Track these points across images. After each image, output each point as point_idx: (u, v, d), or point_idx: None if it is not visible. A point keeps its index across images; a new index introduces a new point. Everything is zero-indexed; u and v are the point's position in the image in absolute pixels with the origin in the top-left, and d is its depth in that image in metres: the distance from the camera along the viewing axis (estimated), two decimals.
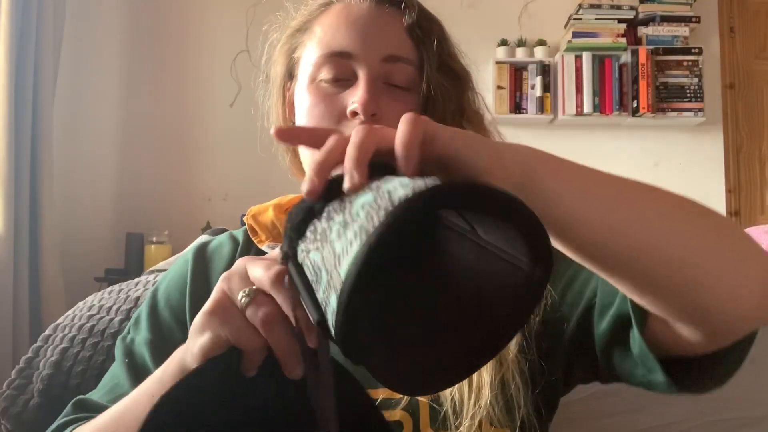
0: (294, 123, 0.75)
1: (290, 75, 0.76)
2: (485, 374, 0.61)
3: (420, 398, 0.62)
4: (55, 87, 2.57)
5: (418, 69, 0.71)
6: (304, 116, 0.71)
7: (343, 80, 0.69)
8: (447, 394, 0.62)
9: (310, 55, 0.72)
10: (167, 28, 3.07)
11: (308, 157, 0.72)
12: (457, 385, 0.61)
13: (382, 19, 0.71)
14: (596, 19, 2.99)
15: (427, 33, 0.72)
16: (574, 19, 2.99)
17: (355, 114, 0.67)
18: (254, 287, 0.44)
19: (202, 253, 0.76)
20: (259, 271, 0.44)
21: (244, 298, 0.44)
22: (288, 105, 0.76)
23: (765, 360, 0.97)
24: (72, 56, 2.82)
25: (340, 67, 0.69)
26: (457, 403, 0.61)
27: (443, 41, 0.73)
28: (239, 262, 0.47)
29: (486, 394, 0.60)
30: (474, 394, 0.61)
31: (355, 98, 0.67)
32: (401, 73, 0.70)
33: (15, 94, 2.30)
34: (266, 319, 0.43)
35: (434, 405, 0.62)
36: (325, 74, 0.70)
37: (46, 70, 2.47)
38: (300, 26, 0.75)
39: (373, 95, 0.67)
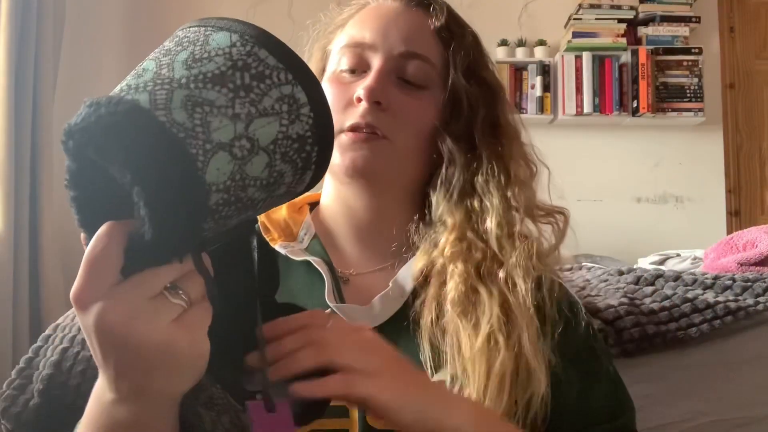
0: None
1: (324, 70, 0.78)
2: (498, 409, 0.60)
3: None
4: (55, 87, 2.57)
5: (440, 70, 0.71)
6: None
7: (360, 71, 0.71)
8: None
9: (336, 47, 0.74)
10: (167, 28, 3.06)
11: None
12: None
13: (406, 18, 0.72)
14: (596, 19, 2.99)
15: (457, 37, 0.73)
16: (574, 19, 2.99)
17: (360, 100, 0.68)
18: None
19: None
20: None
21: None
22: None
23: (765, 360, 0.97)
24: (72, 56, 2.82)
25: (358, 58, 0.71)
26: None
27: (475, 49, 0.74)
28: None
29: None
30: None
31: (363, 84, 0.69)
32: (417, 70, 0.70)
33: (15, 94, 2.30)
34: None
35: None
36: (344, 64, 0.72)
37: (46, 70, 2.46)
38: (339, 23, 0.78)
39: (380, 84, 0.68)
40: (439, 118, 0.71)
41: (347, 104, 0.70)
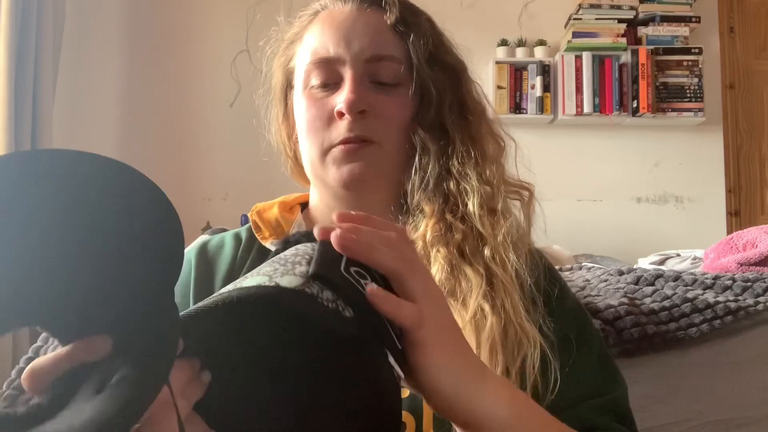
0: (295, 131, 0.77)
1: (290, 85, 0.78)
2: None
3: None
4: (55, 87, 2.57)
5: (407, 65, 0.72)
6: (301, 122, 0.73)
7: (332, 84, 0.72)
8: None
9: (301, 63, 0.74)
10: (167, 27, 3.07)
11: (310, 164, 0.73)
12: None
13: (364, 21, 0.72)
14: (596, 19, 2.99)
15: (414, 27, 0.73)
16: (574, 19, 2.99)
17: (342, 114, 0.69)
18: None
19: (203, 254, 0.76)
20: None
21: None
22: (290, 113, 0.78)
23: (765, 360, 0.97)
24: (72, 56, 2.82)
25: (328, 72, 0.72)
26: None
27: (433, 34, 0.74)
28: None
29: None
30: None
31: (341, 98, 0.69)
32: (387, 71, 0.71)
33: (15, 94, 2.30)
34: None
35: None
36: (315, 80, 0.72)
37: (46, 70, 2.46)
38: (293, 37, 0.77)
39: (358, 94, 0.69)
40: (412, 110, 0.72)
41: (329, 120, 0.70)
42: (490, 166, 0.70)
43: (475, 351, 0.58)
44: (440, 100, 0.72)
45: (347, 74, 0.70)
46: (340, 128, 0.69)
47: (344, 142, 0.69)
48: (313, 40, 0.73)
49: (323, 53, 0.71)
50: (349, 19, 0.72)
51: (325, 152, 0.71)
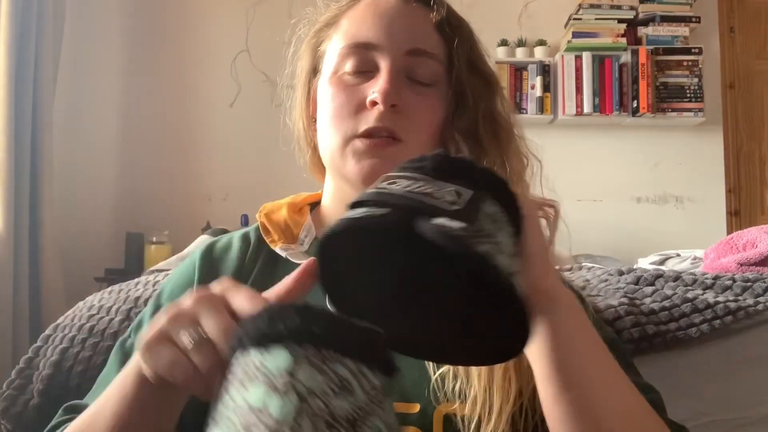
0: (315, 118, 0.74)
1: (315, 70, 0.75)
2: (505, 402, 0.59)
3: (433, 415, 0.61)
4: (55, 87, 2.57)
5: (445, 66, 0.70)
6: (326, 108, 0.70)
7: (366, 72, 0.69)
8: (465, 412, 0.60)
9: (334, 47, 0.71)
10: (167, 28, 3.07)
11: (328, 153, 0.70)
12: (474, 404, 0.59)
13: (409, 14, 0.70)
14: (596, 19, 2.99)
15: (457, 30, 0.71)
16: (574, 19, 2.99)
17: (374, 104, 0.66)
18: (204, 336, 0.41)
19: (209, 254, 0.74)
20: (213, 324, 0.41)
21: (190, 343, 0.41)
22: (312, 100, 0.76)
23: (765, 360, 0.97)
24: (72, 56, 2.82)
25: (363, 59, 0.69)
26: (473, 423, 0.59)
27: (473, 42, 0.73)
28: (189, 302, 0.44)
29: (503, 420, 0.58)
30: (493, 419, 0.58)
31: (375, 88, 0.66)
32: (425, 68, 0.69)
33: (15, 94, 2.30)
34: (212, 368, 0.40)
35: (450, 419, 0.60)
36: (349, 66, 0.69)
37: (46, 70, 2.47)
38: (328, 21, 0.75)
39: (394, 86, 0.66)
40: (446, 114, 0.70)
41: (358, 108, 0.67)
42: (519, 184, 0.68)
43: (486, 373, 0.59)
44: (475, 107, 0.69)
45: (384, 64, 0.67)
46: (369, 118, 0.66)
47: (369, 133, 0.66)
48: (351, 25, 0.70)
49: (361, 38, 0.69)
50: (394, 10, 0.70)
51: (347, 141, 0.67)
